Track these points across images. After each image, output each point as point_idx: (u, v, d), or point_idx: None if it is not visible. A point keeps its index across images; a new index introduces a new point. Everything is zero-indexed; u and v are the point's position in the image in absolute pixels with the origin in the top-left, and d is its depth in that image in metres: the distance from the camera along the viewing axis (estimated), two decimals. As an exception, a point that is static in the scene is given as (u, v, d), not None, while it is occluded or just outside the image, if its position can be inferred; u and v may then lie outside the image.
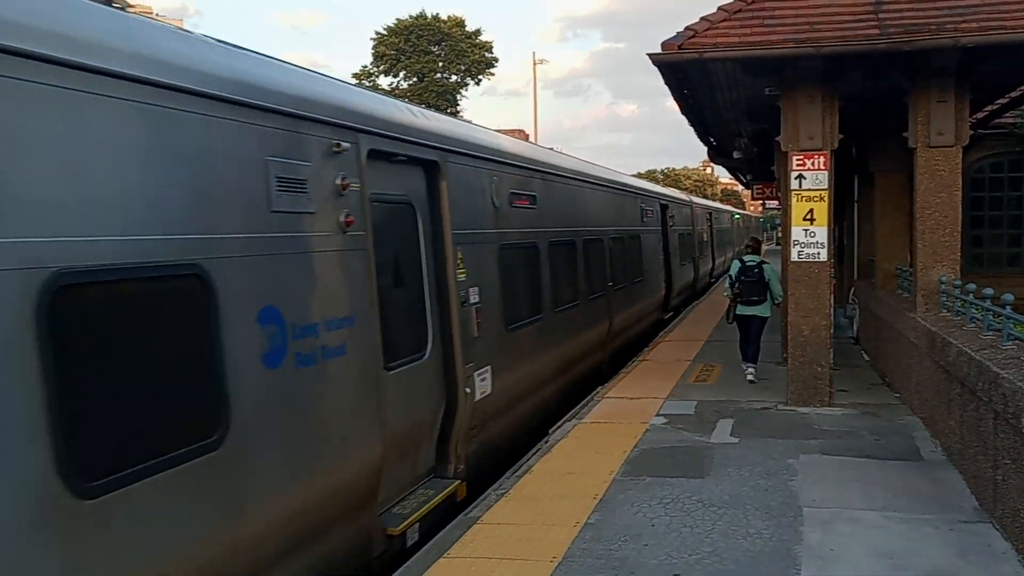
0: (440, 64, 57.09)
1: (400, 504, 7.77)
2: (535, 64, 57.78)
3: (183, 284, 5.12)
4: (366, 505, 7.09)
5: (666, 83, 12.00)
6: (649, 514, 7.65)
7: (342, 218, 6.78)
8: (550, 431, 10.87)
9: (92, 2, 5.00)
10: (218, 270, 5.32)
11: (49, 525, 4.11)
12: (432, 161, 8.60)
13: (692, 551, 6.79)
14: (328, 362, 6.45)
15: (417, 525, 7.70)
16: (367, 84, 46.66)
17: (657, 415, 11.41)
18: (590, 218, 15.61)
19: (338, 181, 6.76)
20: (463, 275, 9.02)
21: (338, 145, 6.79)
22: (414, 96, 50.69)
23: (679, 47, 10.46)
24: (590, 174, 16.47)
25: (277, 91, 6.23)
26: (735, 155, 21.25)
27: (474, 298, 9.32)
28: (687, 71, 11.49)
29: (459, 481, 8.70)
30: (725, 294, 13.89)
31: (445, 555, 6.87)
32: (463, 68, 57.53)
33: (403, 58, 55.97)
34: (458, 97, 57.72)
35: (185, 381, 5.10)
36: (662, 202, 24.34)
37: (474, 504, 8.18)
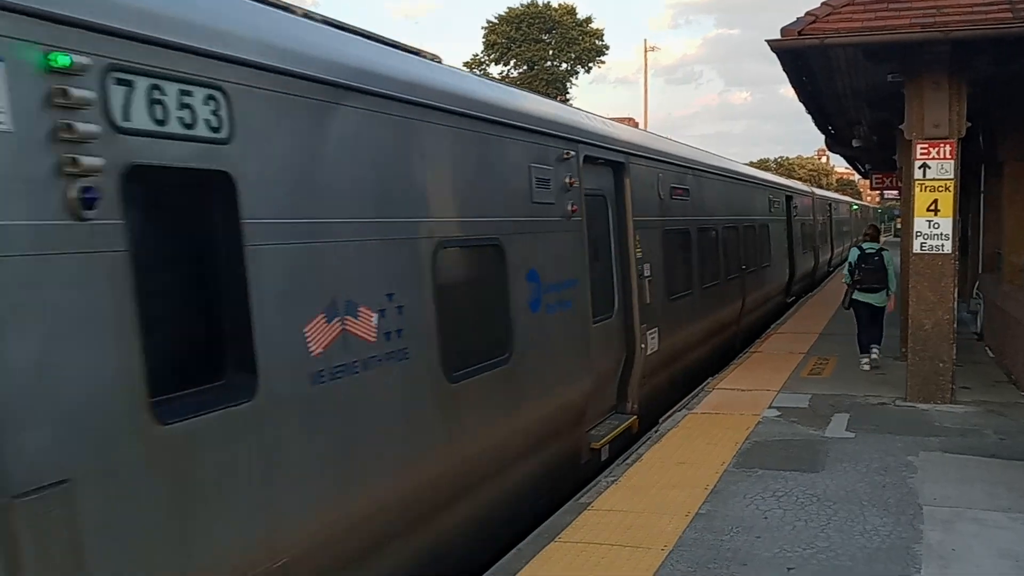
0: (551, 52, 57.11)
1: (596, 428, 9.95)
2: (646, 51, 57.08)
3: (492, 252, 7.55)
4: (579, 423, 9.33)
5: (784, 70, 11.78)
6: (762, 506, 7.58)
7: (569, 207, 9.01)
8: (660, 420, 10.86)
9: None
10: (507, 243, 7.71)
11: (436, 399, 6.46)
12: (620, 162, 10.79)
13: (806, 545, 6.70)
14: (562, 312, 8.75)
15: (608, 446, 9.88)
16: (478, 73, 47.01)
17: (769, 407, 11.25)
18: (728, 208, 17.44)
19: (567, 180, 9.01)
20: (639, 253, 11.16)
21: (567, 153, 9.09)
22: (524, 85, 50.85)
23: (799, 33, 10.25)
24: (728, 169, 18.51)
25: (534, 115, 8.60)
26: (854, 143, 20.67)
27: (647, 272, 11.42)
28: (807, 57, 11.25)
29: (635, 417, 10.76)
30: (844, 280, 13.82)
31: (556, 539, 6.95)
32: (573, 56, 57.40)
33: (514, 46, 56.18)
34: (568, 85, 57.63)
35: (494, 315, 7.54)
36: (787, 193, 25.65)
37: (584, 490, 8.26)
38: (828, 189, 68.10)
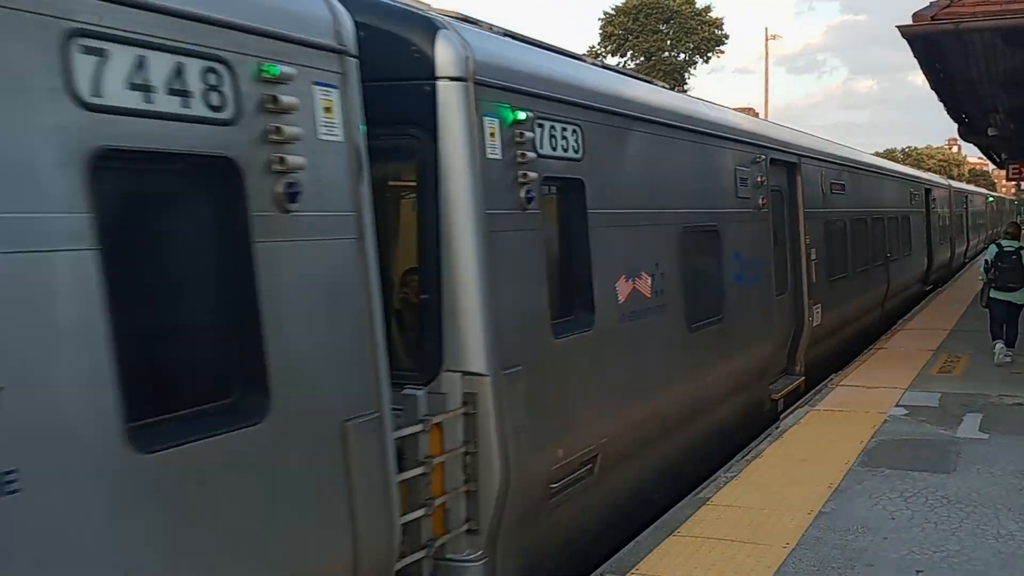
0: (668, 43, 56.28)
1: (775, 383, 11.88)
2: (767, 40, 55.78)
3: (712, 235, 9.66)
4: (763, 377, 11.37)
5: (915, 57, 11.44)
6: (888, 507, 7.38)
7: (760, 201, 10.97)
8: (781, 416, 10.68)
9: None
10: (722, 228, 9.84)
11: (681, 342, 8.68)
12: (793, 163, 12.82)
13: (936, 548, 6.50)
14: (755, 285, 10.82)
15: (782, 400, 11.76)
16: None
17: (896, 406, 10.93)
18: (875, 201, 19.31)
19: (758, 179, 10.93)
20: (808, 239, 13.08)
21: (759, 157, 11.05)
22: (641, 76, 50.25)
23: (932, 18, 9.94)
24: (876, 164, 21.09)
25: (739, 128, 10.86)
26: (989, 132, 19.85)
27: (813, 256, 13.32)
28: (940, 43, 10.90)
29: (803, 378, 12.61)
30: (980, 278, 13.51)
31: (675, 533, 6.93)
32: (692, 46, 56.44)
33: (631, 37, 55.63)
34: (686, 76, 56.74)
35: (713, 282, 9.63)
36: (925, 187, 27.01)
37: (702, 486, 8.18)
38: (960, 180, 65.38)
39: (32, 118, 3.17)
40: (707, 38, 56.32)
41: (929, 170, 58.18)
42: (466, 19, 6.51)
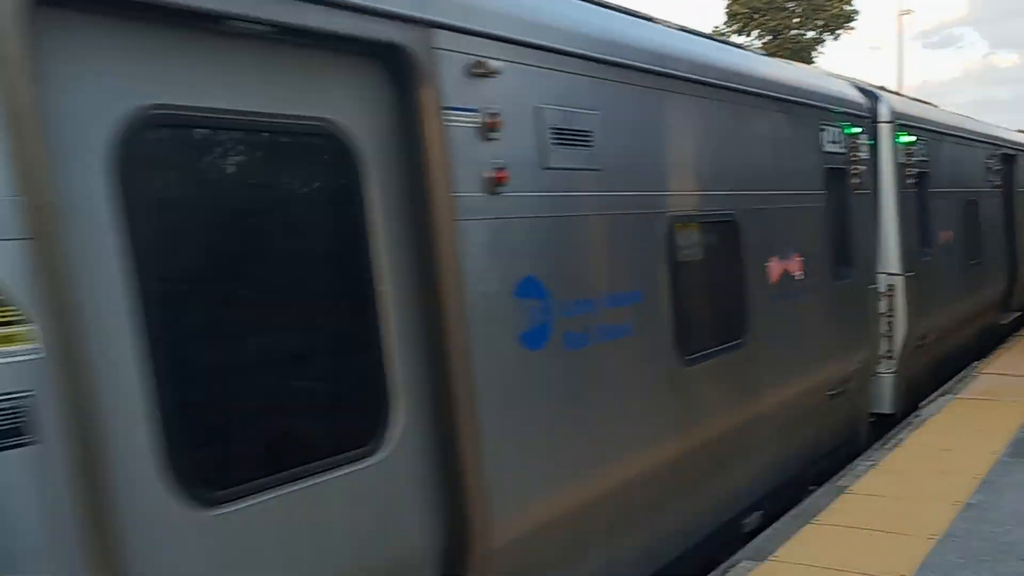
0: (796, 20, 54.69)
1: (999, 315, 16.67)
2: (900, 15, 53.56)
3: (976, 206, 14.36)
4: (996, 304, 16.16)
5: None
6: (1042, 500, 7.08)
7: (997, 183, 15.97)
8: (920, 405, 10.33)
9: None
10: (980, 202, 14.77)
11: (965, 274, 13.67)
12: (1012, 155, 17.57)
13: (1094, 544, 6.20)
14: (995, 241, 15.63)
15: (1008, 326, 16.70)
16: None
17: (1045, 395, 10.45)
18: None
19: (996, 168, 15.84)
20: (1019, 212, 18.26)
21: (996, 152, 16.02)
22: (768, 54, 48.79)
23: (1090, -16, 9.33)
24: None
25: (988, 134, 15.92)
26: None
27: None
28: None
29: (1019, 313, 17.58)
30: None
31: (813, 520, 6.94)
32: (821, 23, 54.72)
33: (757, 16, 54.25)
34: (813, 54, 54.91)
35: (976, 236, 14.23)
36: None
37: (840, 474, 8.05)
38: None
39: (816, 158, 8.50)
40: (836, 15, 54.62)
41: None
42: (885, 88, 12.02)
